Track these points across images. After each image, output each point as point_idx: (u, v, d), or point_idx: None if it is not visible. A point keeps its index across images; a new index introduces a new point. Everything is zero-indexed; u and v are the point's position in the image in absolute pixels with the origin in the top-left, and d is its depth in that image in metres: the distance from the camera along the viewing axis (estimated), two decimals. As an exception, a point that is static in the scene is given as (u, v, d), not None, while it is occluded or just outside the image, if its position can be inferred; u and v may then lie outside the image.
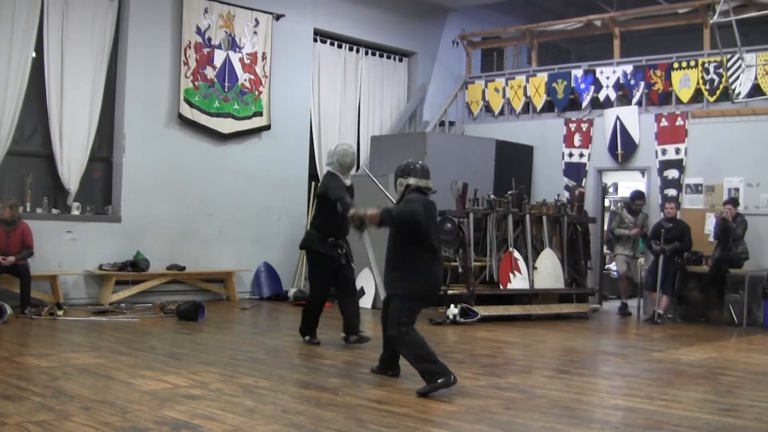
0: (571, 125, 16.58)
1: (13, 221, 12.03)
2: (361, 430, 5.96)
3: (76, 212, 13.69)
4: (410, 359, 7.55)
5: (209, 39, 15.10)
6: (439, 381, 7.22)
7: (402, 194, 7.91)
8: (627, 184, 19.43)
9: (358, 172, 9.49)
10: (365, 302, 14.50)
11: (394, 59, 18.83)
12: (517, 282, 13.55)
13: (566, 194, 15.79)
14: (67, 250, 13.46)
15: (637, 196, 15.07)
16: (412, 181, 7.83)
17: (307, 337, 10.18)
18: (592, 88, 16.47)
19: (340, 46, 17.70)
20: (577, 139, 16.47)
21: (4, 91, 12.87)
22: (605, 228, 15.98)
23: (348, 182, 10.12)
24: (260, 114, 15.82)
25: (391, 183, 14.34)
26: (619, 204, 17.77)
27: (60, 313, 11.83)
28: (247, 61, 15.63)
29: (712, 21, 14.38)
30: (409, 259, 7.65)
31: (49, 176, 13.76)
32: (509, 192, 14.02)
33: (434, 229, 7.81)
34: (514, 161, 16.17)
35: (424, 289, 7.74)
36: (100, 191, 14.43)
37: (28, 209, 13.20)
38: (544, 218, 14.13)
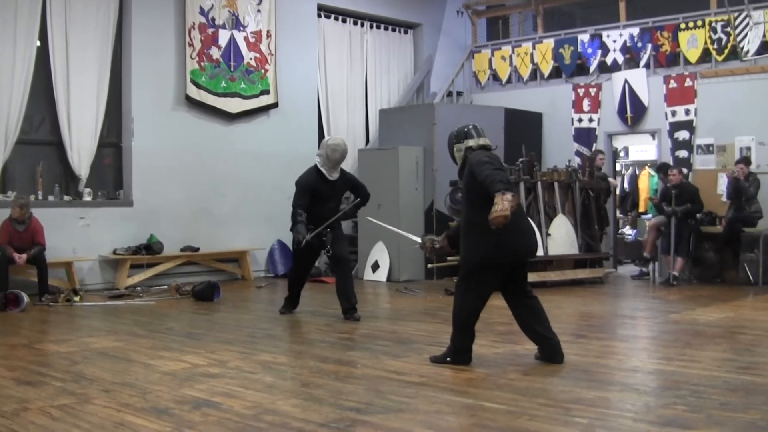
0: (579, 90, 16.51)
1: (24, 220, 11.99)
2: (381, 401, 5.97)
3: (87, 198, 13.71)
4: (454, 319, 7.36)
5: (213, 19, 15.05)
6: (448, 359, 7.23)
7: (464, 159, 7.34)
8: (638, 147, 19.37)
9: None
10: (380, 275, 14.56)
11: (400, 32, 18.75)
12: (531, 249, 13.50)
13: (577, 160, 15.75)
14: (80, 236, 13.49)
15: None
16: (471, 142, 7.31)
17: (282, 309, 10.69)
18: (599, 52, 16.39)
19: (344, 21, 17.63)
20: (586, 104, 16.41)
21: (11, 81, 12.87)
22: (618, 192, 15.89)
23: (335, 176, 10.03)
24: (267, 92, 15.79)
25: (401, 156, 14.53)
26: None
27: (77, 299, 11.86)
28: (251, 40, 15.58)
29: (718, -21, 14.32)
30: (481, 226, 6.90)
31: (60, 164, 13.77)
32: (520, 159, 13.93)
33: None
34: (523, 129, 16.10)
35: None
36: (111, 176, 14.43)
37: (39, 197, 13.22)
38: (556, 184, 14.08)
